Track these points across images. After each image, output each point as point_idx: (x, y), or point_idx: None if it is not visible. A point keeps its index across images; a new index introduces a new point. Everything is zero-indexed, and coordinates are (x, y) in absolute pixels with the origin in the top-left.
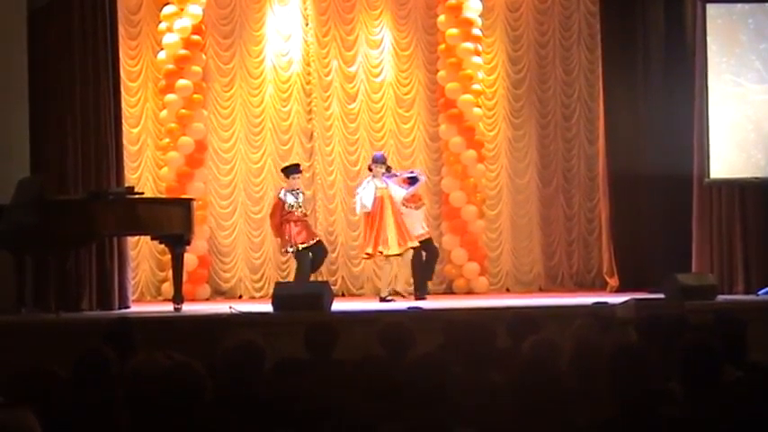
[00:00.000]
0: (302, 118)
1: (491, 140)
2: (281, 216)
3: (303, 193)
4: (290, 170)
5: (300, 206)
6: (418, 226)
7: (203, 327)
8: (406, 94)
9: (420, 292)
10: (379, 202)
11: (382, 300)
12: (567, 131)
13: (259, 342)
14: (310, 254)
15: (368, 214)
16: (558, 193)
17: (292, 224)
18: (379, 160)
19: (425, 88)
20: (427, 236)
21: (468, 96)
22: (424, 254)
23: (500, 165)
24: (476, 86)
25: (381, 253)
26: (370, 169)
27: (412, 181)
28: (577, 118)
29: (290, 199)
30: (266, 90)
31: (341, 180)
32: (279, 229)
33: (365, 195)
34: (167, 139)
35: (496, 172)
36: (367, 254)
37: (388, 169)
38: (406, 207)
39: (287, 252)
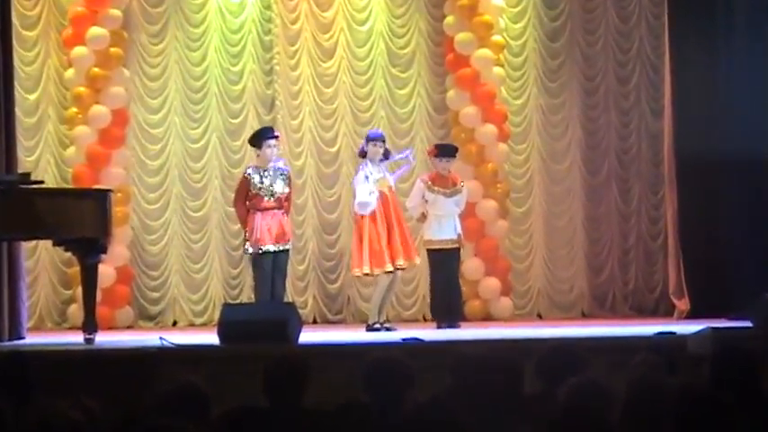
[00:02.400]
0: (260, 80)
1: (518, 111)
2: (245, 200)
3: (282, 170)
4: (261, 136)
5: (273, 190)
6: (451, 224)
7: (125, 365)
8: (401, 48)
9: (445, 322)
10: (379, 199)
11: (370, 328)
12: (622, 99)
13: (201, 386)
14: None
15: (364, 218)
16: (609, 185)
17: (258, 215)
18: (379, 138)
19: (428, 40)
20: (456, 244)
21: (485, 51)
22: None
23: (530, 144)
24: (496, 38)
25: (395, 270)
26: (364, 155)
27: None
28: (637, 81)
29: (256, 178)
30: (210, 42)
31: (312, 165)
32: (245, 218)
33: (361, 192)
34: (75, 109)
35: (525, 154)
36: (364, 274)
37: (386, 153)
38: (432, 192)
39: (244, 253)
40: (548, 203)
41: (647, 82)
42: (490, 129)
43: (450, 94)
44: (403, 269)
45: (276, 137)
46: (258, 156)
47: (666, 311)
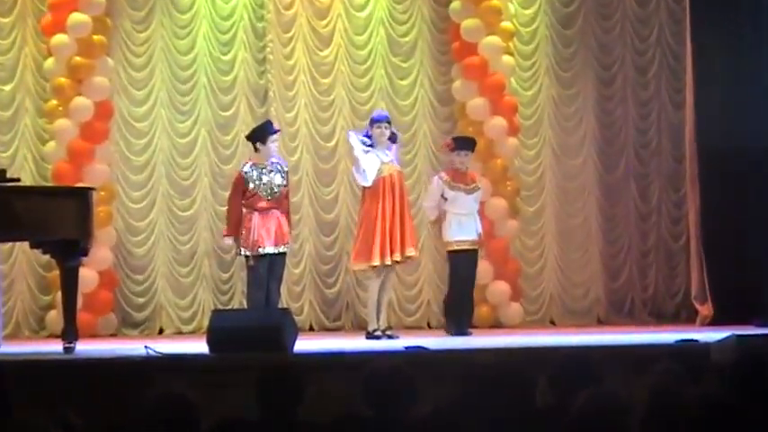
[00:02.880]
0: (252, 70)
1: (528, 103)
2: (241, 200)
3: (280, 164)
4: (266, 131)
5: (272, 187)
6: (472, 224)
7: (108, 375)
8: (403, 35)
9: (455, 327)
10: (388, 183)
11: (370, 336)
12: (640, 90)
13: (190, 397)
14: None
15: (375, 204)
16: (627, 182)
17: (256, 215)
18: (384, 120)
19: (432, 27)
20: (476, 245)
21: (493, 39)
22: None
23: (542, 139)
24: (505, 24)
25: (397, 263)
26: (368, 142)
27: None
28: (656, 71)
29: (255, 175)
30: (199, 29)
31: (308, 160)
32: (237, 222)
33: (366, 165)
34: (55, 101)
35: (536, 149)
36: (372, 267)
37: (393, 137)
38: (452, 189)
39: (237, 255)
40: (561, 202)
41: (667, 71)
42: (499, 122)
43: (456, 84)
44: (398, 263)
45: (278, 131)
46: (258, 151)
47: (688, 317)
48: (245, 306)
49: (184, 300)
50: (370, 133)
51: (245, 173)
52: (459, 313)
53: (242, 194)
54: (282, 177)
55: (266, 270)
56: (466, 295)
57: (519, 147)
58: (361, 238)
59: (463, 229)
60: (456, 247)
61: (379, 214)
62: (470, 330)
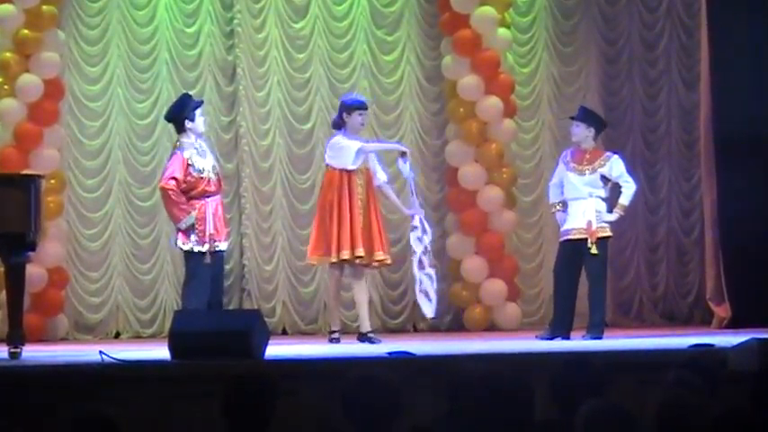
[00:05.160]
0: (219, 44)
1: (526, 81)
2: (183, 189)
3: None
4: (192, 106)
5: (214, 167)
6: (579, 210)
7: (58, 384)
8: (387, 5)
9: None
10: (363, 174)
11: (362, 338)
12: (649, 67)
13: (111, 416)
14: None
15: (339, 192)
16: (633, 169)
17: (207, 202)
18: (365, 106)
19: None
20: (606, 232)
21: (487, 9)
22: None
23: (540, 121)
24: None
25: (378, 262)
26: (339, 125)
27: None
28: (666, 46)
29: (197, 159)
30: None
31: (281, 146)
32: (181, 202)
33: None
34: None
35: (534, 132)
36: (342, 260)
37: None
38: (568, 170)
39: (190, 249)
40: None
41: (678, 46)
42: (493, 102)
43: (446, 60)
44: (366, 266)
45: (202, 102)
46: (189, 130)
47: (703, 320)
48: (185, 304)
49: (144, 300)
50: (344, 119)
51: (187, 155)
52: (564, 315)
53: (183, 178)
54: (213, 157)
55: (209, 268)
56: (561, 294)
57: (515, 130)
58: (323, 229)
59: (572, 218)
60: (562, 238)
61: (347, 205)
62: (560, 336)
